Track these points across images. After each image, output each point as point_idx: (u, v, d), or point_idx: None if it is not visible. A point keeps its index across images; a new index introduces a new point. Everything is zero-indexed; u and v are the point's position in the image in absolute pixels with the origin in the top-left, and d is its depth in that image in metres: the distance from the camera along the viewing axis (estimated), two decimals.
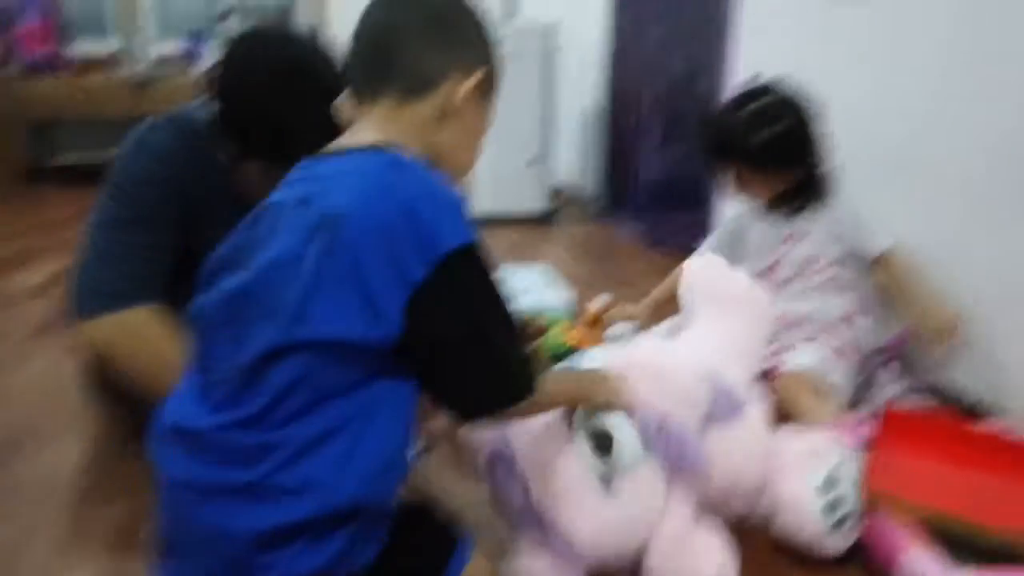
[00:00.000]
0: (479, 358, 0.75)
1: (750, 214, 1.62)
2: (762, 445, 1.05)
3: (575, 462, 0.95)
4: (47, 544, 1.07)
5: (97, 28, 4.29)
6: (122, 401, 1.18)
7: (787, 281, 1.51)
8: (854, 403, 1.38)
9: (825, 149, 1.51)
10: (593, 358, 1.51)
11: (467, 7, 0.85)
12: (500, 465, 0.98)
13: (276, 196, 0.80)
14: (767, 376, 1.40)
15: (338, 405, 0.72)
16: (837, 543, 0.98)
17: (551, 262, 2.53)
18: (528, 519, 0.96)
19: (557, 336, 1.71)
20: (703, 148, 1.59)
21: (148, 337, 1.07)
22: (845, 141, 1.54)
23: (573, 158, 3.64)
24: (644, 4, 2.84)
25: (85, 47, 4.14)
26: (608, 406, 0.96)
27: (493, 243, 2.77)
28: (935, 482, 1.07)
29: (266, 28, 1.13)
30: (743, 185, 1.56)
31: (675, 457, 0.97)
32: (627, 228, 3.06)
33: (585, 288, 2.21)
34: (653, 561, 0.96)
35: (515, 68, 3.03)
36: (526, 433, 0.97)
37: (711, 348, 1.11)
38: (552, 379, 0.88)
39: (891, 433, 1.13)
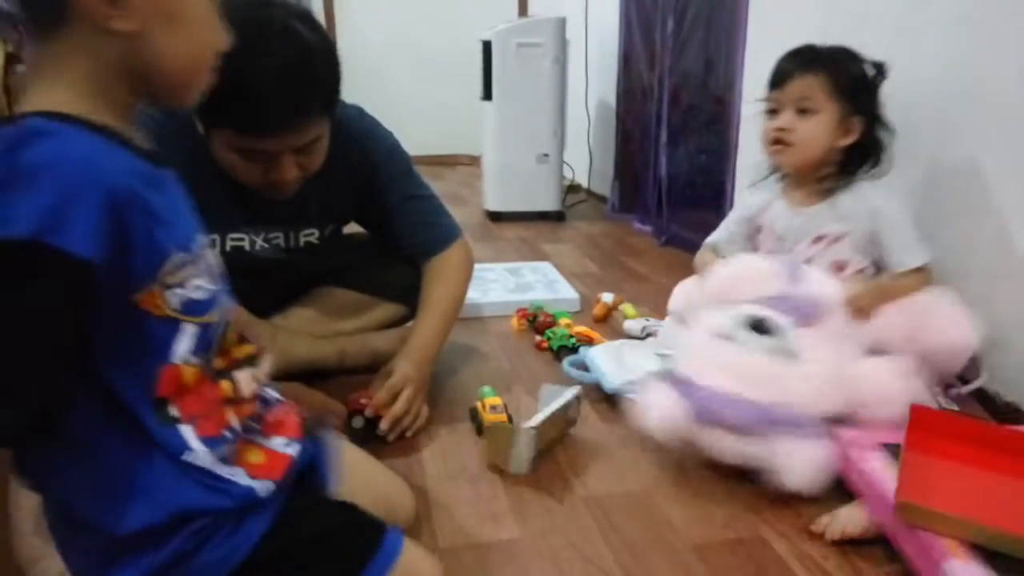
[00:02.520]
0: None
1: (770, 202, 1.48)
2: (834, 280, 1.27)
3: (761, 356, 1.10)
4: None
5: None
6: None
7: None
8: None
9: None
10: (596, 355, 1.47)
11: None
12: (717, 407, 1.06)
13: None
14: None
15: None
16: None
17: (561, 258, 2.48)
18: (773, 422, 1.04)
19: (564, 330, 1.65)
20: (780, 66, 1.38)
21: None
22: None
23: (585, 155, 3.59)
24: None
25: None
26: None
27: (503, 238, 2.76)
28: (977, 492, 0.99)
29: None
30: (800, 124, 1.33)
31: (807, 312, 1.16)
32: (639, 225, 3.00)
33: (595, 284, 2.16)
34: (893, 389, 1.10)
35: (527, 63, 3.01)
36: (706, 368, 1.11)
37: None
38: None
39: (921, 434, 1.05)
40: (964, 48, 1.35)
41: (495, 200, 3.17)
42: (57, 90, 0.60)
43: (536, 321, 1.75)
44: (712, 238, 1.60)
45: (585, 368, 1.46)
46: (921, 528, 0.89)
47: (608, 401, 1.38)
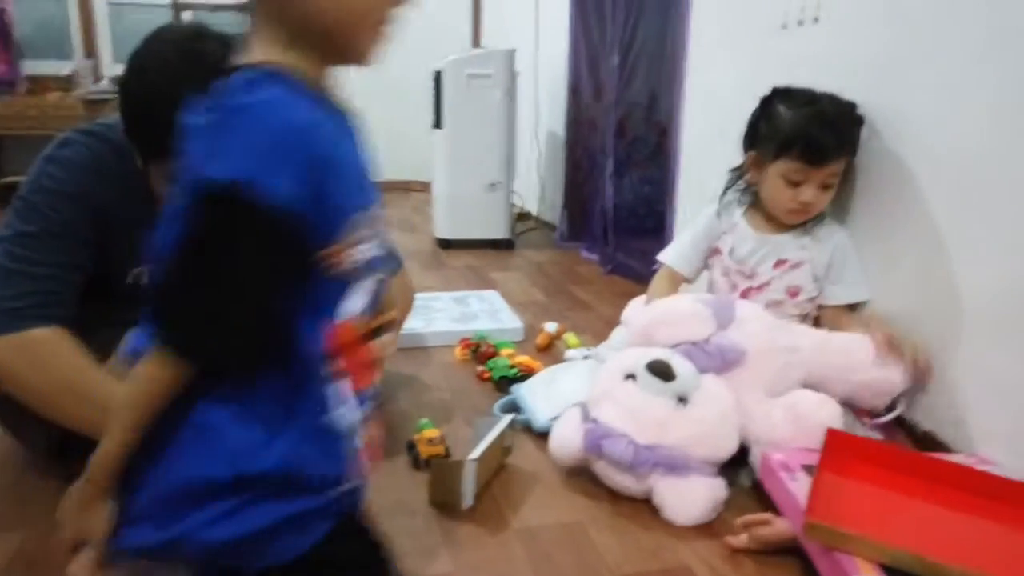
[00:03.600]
0: None
1: (733, 225, 1.53)
2: (768, 319, 1.32)
3: (653, 399, 1.17)
4: None
5: (53, 49, 4.22)
6: (29, 423, 1.10)
7: (775, 304, 1.45)
8: None
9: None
10: (527, 391, 1.48)
11: None
12: (601, 441, 1.16)
13: None
14: None
15: None
16: None
17: (508, 287, 2.50)
18: (648, 463, 1.14)
19: (505, 360, 1.67)
20: (815, 141, 1.38)
21: (44, 359, 0.99)
22: None
23: (536, 184, 3.64)
24: (602, 33, 2.86)
25: (40, 67, 4.07)
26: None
27: (452, 266, 2.77)
28: (886, 514, 1.03)
29: (176, 24, 1.09)
30: (822, 197, 1.42)
31: (720, 359, 1.21)
32: (587, 253, 3.04)
33: (541, 313, 2.18)
34: (777, 433, 1.16)
35: (478, 93, 3.06)
36: (603, 403, 1.21)
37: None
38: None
39: (836, 457, 1.09)
40: (884, 88, 1.43)
41: (445, 228, 3.19)
42: (259, 49, 0.67)
43: (479, 351, 1.76)
44: (668, 257, 1.62)
45: (516, 409, 1.47)
46: (828, 547, 0.92)
47: (543, 432, 1.39)
